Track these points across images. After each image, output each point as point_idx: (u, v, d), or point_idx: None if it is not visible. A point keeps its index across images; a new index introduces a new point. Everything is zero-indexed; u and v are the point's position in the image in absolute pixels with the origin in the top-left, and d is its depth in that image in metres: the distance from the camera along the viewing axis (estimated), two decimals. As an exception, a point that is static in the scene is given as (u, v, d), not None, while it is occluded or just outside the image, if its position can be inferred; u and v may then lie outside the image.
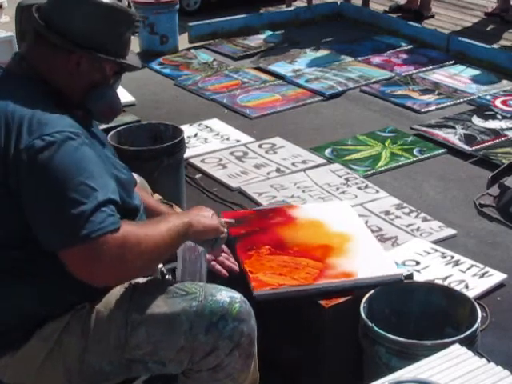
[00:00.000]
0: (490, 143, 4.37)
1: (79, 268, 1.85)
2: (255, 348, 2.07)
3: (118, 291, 2.02)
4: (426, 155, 4.30)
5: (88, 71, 2.03)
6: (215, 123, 4.78)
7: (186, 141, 3.67)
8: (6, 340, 1.97)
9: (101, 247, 1.81)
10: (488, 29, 6.59)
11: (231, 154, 4.36)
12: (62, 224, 1.83)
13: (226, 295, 2.00)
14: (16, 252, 1.93)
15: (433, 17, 6.92)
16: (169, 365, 1.98)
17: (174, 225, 1.98)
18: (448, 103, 5.01)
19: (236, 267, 2.38)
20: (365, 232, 2.71)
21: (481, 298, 3.00)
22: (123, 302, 1.99)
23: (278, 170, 4.15)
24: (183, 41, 6.31)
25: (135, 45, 6.23)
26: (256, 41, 6.39)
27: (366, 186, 3.94)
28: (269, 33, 6.54)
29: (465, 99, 5.06)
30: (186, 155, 3.68)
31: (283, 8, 7.15)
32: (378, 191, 3.89)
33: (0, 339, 1.97)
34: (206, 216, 2.10)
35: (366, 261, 2.49)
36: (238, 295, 2.03)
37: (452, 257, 3.28)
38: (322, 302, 2.34)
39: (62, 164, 1.84)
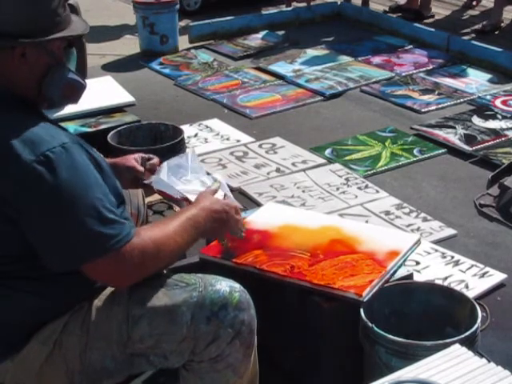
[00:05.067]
0: (490, 143, 4.37)
1: (104, 278, 1.92)
2: (255, 339, 2.07)
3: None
4: (426, 155, 4.30)
5: (36, 58, 1.93)
6: (215, 123, 4.78)
7: (186, 141, 3.68)
8: (6, 343, 1.96)
9: (122, 257, 1.86)
10: (488, 29, 6.57)
11: (231, 154, 4.35)
12: (79, 241, 1.83)
13: (225, 285, 2.01)
14: (14, 265, 1.93)
15: (433, 17, 6.92)
16: (170, 357, 1.99)
17: (191, 224, 2.02)
18: (448, 103, 5.01)
19: None
20: (335, 218, 2.93)
21: (481, 297, 2.99)
22: (122, 298, 1.99)
23: (278, 170, 4.15)
24: (183, 41, 6.31)
25: (135, 45, 6.23)
26: (256, 41, 6.39)
27: (366, 186, 3.94)
28: (266, 32, 6.54)
29: (465, 99, 5.06)
30: (186, 155, 3.68)
31: (283, 8, 7.15)
32: (378, 191, 3.89)
33: (1, 342, 1.97)
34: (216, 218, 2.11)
35: (388, 237, 2.61)
36: (237, 285, 2.04)
37: (452, 257, 3.28)
38: (322, 302, 2.34)
39: (66, 181, 1.82)
